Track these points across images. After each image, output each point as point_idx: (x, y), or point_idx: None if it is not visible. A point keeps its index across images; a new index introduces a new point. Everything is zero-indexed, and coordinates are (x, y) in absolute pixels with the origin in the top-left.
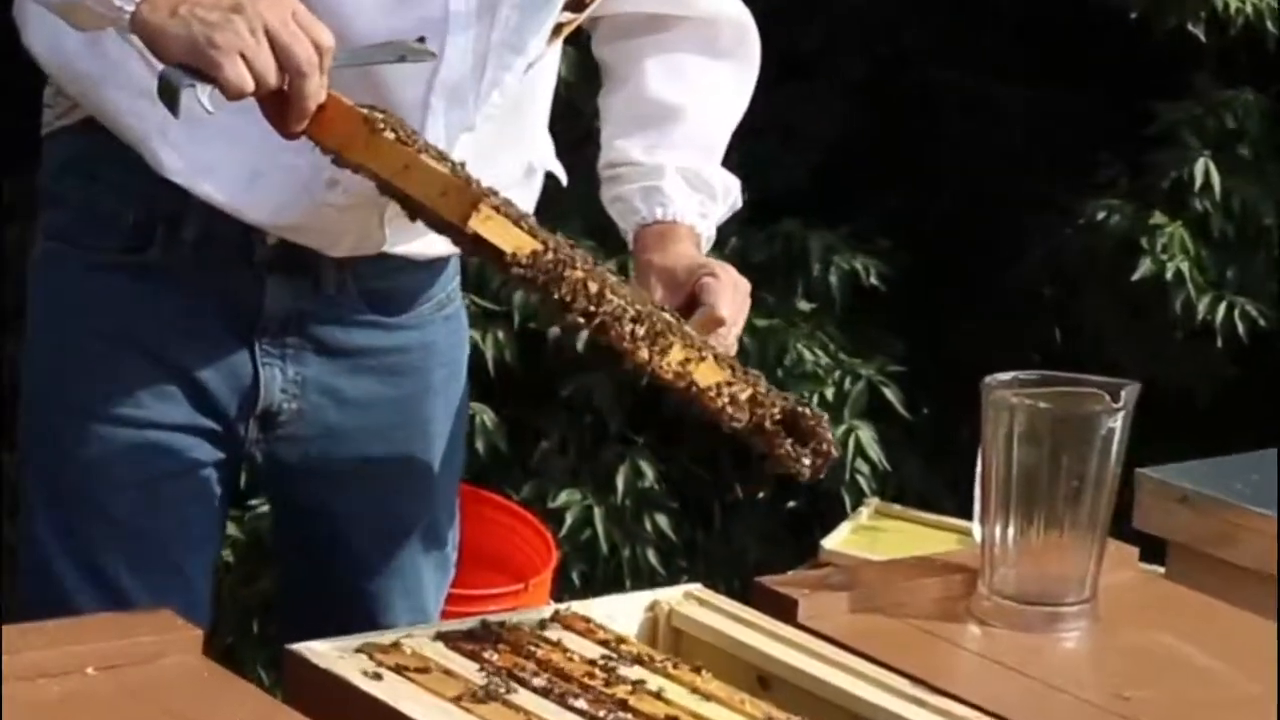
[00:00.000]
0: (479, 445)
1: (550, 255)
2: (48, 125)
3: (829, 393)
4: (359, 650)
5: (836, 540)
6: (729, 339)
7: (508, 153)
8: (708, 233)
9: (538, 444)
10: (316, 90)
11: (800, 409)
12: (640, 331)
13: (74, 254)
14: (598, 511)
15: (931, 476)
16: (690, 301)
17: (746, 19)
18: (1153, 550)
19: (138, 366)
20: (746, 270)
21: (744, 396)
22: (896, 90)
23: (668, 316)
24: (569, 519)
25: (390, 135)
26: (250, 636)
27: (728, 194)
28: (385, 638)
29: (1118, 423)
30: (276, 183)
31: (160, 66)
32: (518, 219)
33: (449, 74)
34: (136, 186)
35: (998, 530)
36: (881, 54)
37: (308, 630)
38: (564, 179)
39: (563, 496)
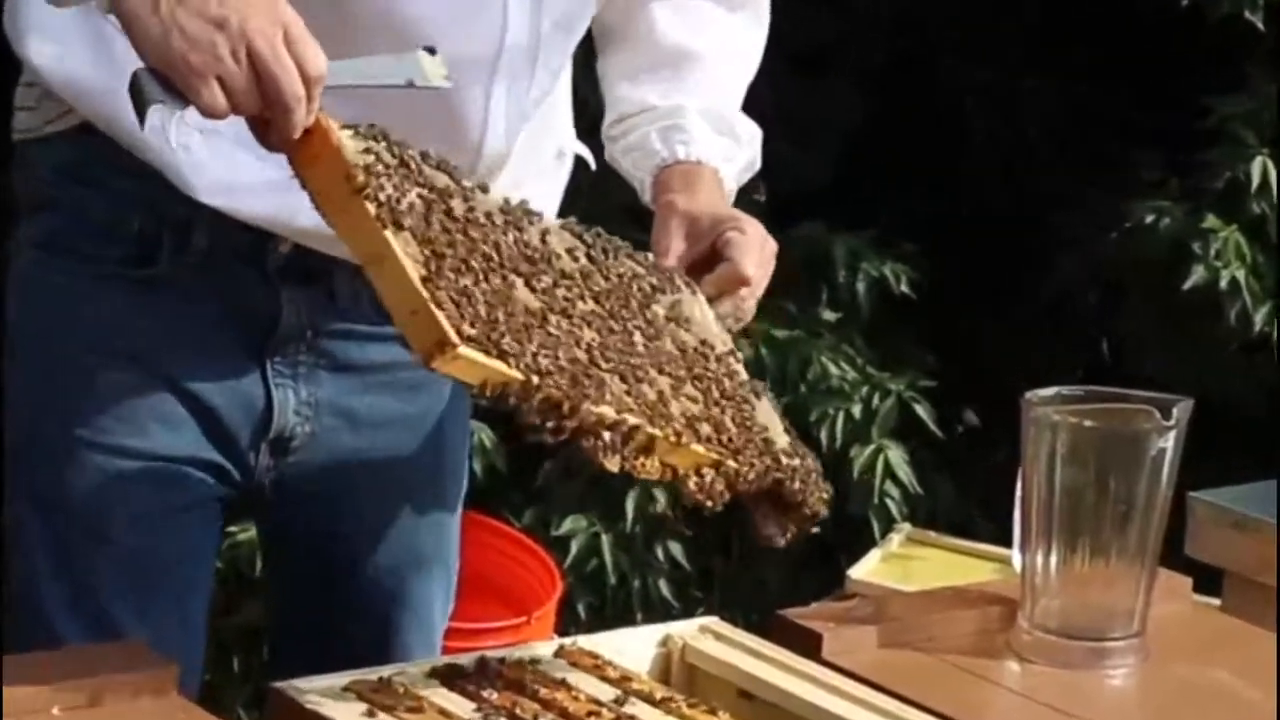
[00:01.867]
0: (477, 466)
1: (519, 385)
2: (31, 130)
3: (856, 410)
4: (347, 689)
5: (864, 569)
6: (749, 302)
7: (543, 139)
8: (731, 183)
9: (540, 465)
10: (298, 123)
11: (781, 480)
12: (611, 439)
13: (68, 265)
14: (605, 539)
15: (966, 500)
16: (711, 255)
17: None
18: (1207, 580)
19: (142, 390)
20: None
21: (720, 486)
22: (920, 84)
23: (647, 363)
24: (574, 547)
25: (373, 206)
26: (230, 673)
27: (751, 141)
28: (375, 675)
29: (1169, 442)
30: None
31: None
32: (495, 346)
33: (510, 62)
34: (140, 193)
35: (1039, 558)
36: (903, 46)
37: (310, 665)
38: (592, 162)
39: (568, 523)
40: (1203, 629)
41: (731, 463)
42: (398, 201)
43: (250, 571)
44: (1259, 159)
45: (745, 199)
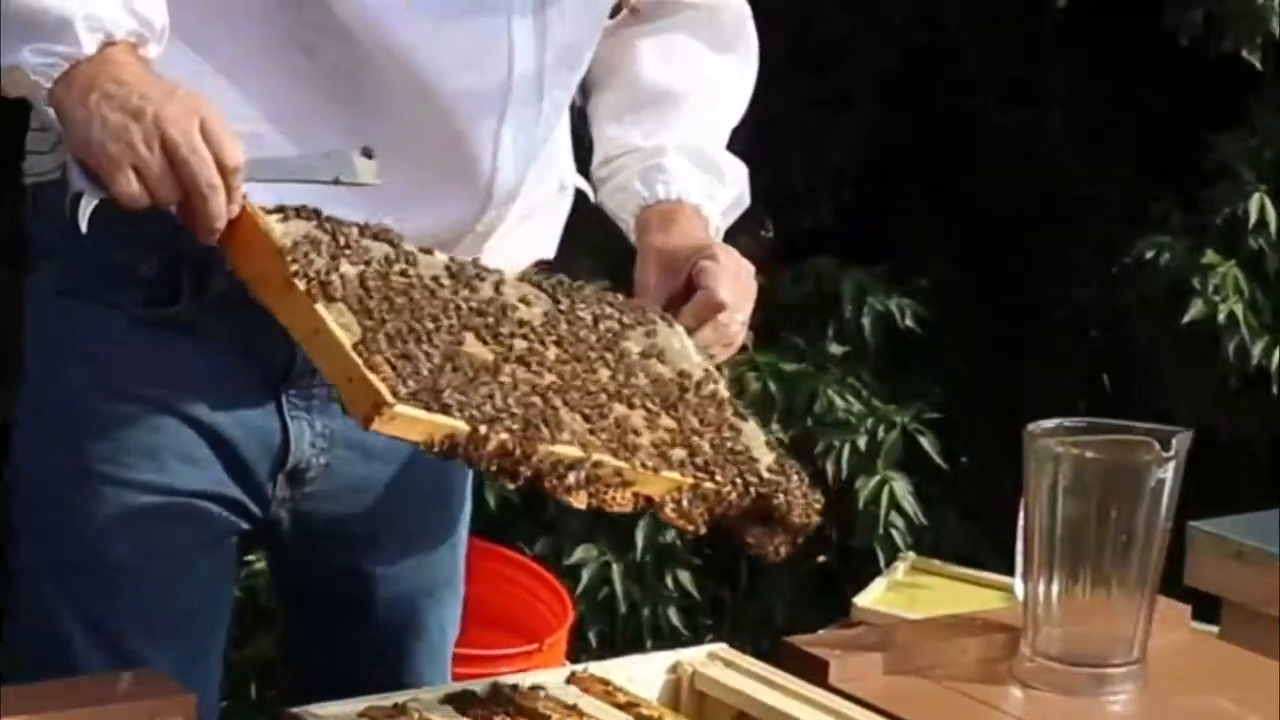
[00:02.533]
0: (489, 496)
1: (467, 435)
2: (45, 173)
3: (861, 442)
4: (362, 715)
5: (870, 598)
6: (731, 327)
7: (546, 173)
8: (716, 220)
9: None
10: (218, 212)
11: (765, 494)
12: (574, 479)
13: (84, 307)
14: (616, 568)
15: (972, 531)
16: (689, 287)
17: (746, 9)
18: (1206, 609)
19: (162, 427)
20: (772, 312)
21: (699, 508)
22: (934, 117)
23: (606, 398)
24: (585, 576)
25: (302, 283)
26: (247, 701)
27: (736, 180)
28: (390, 700)
29: (1168, 473)
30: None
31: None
32: (437, 400)
33: (518, 99)
34: (157, 235)
35: (1041, 587)
36: (920, 79)
37: (325, 692)
38: (591, 195)
39: (579, 553)
40: (1201, 656)
41: (709, 484)
42: (328, 274)
43: (266, 601)
44: (1257, 196)
45: (754, 234)
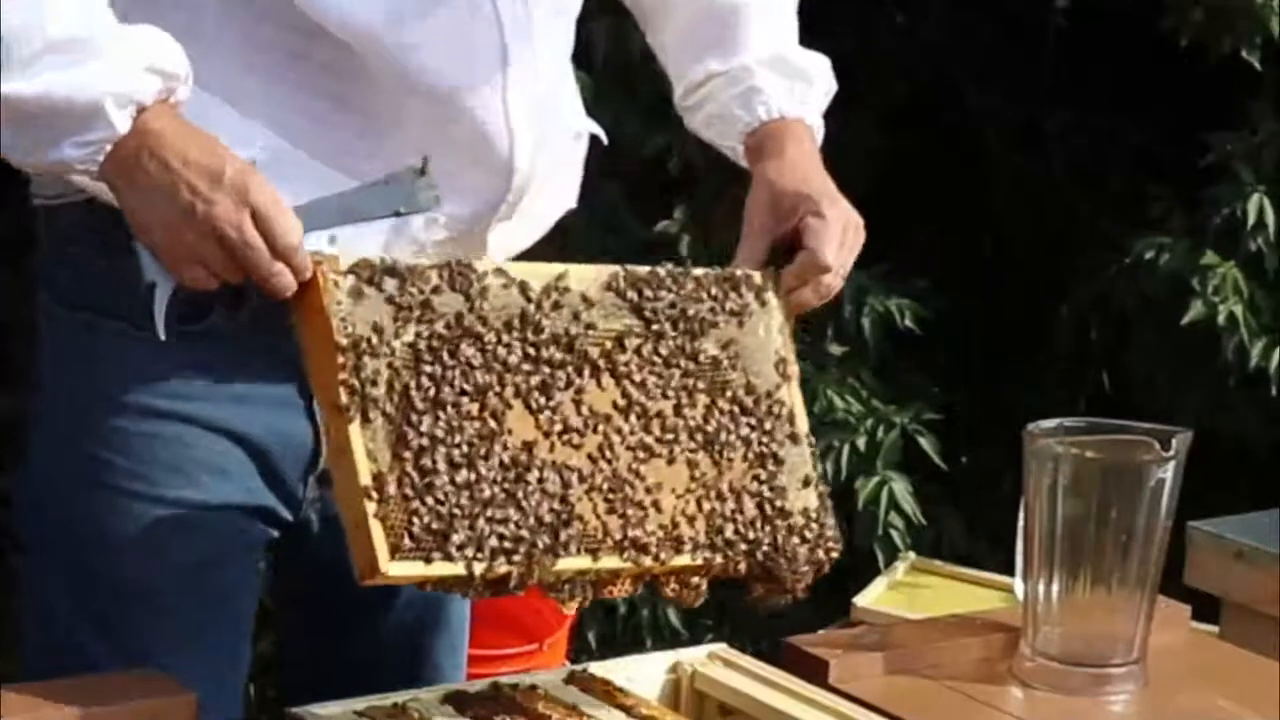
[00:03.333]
0: None
1: (459, 580)
2: (62, 195)
3: (861, 442)
4: (362, 715)
5: (870, 598)
6: (833, 287)
7: (559, 123)
8: (815, 121)
9: None
10: (284, 289)
11: (771, 561)
12: (569, 592)
13: (112, 325)
14: None
15: (972, 531)
16: (795, 236)
17: None
18: (1206, 609)
19: (194, 441)
20: None
21: (701, 585)
22: (937, 119)
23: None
24: None
25: (345, 394)
26: (248, 701)
27: (821, 75)
28: (389, 700)
29: (1168, 473)
30: (374, 228)
31: None
32: (441, 550)
33: (518, 66)
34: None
35: (1041, 587)
36: (921, 81)
37: (335, 691)
38: (604, 137)
39: None
40: (1201, 656)
41: (718, 561)
42: (374, 384)
43: (266, 601)
44: (1256, 196)
45: None
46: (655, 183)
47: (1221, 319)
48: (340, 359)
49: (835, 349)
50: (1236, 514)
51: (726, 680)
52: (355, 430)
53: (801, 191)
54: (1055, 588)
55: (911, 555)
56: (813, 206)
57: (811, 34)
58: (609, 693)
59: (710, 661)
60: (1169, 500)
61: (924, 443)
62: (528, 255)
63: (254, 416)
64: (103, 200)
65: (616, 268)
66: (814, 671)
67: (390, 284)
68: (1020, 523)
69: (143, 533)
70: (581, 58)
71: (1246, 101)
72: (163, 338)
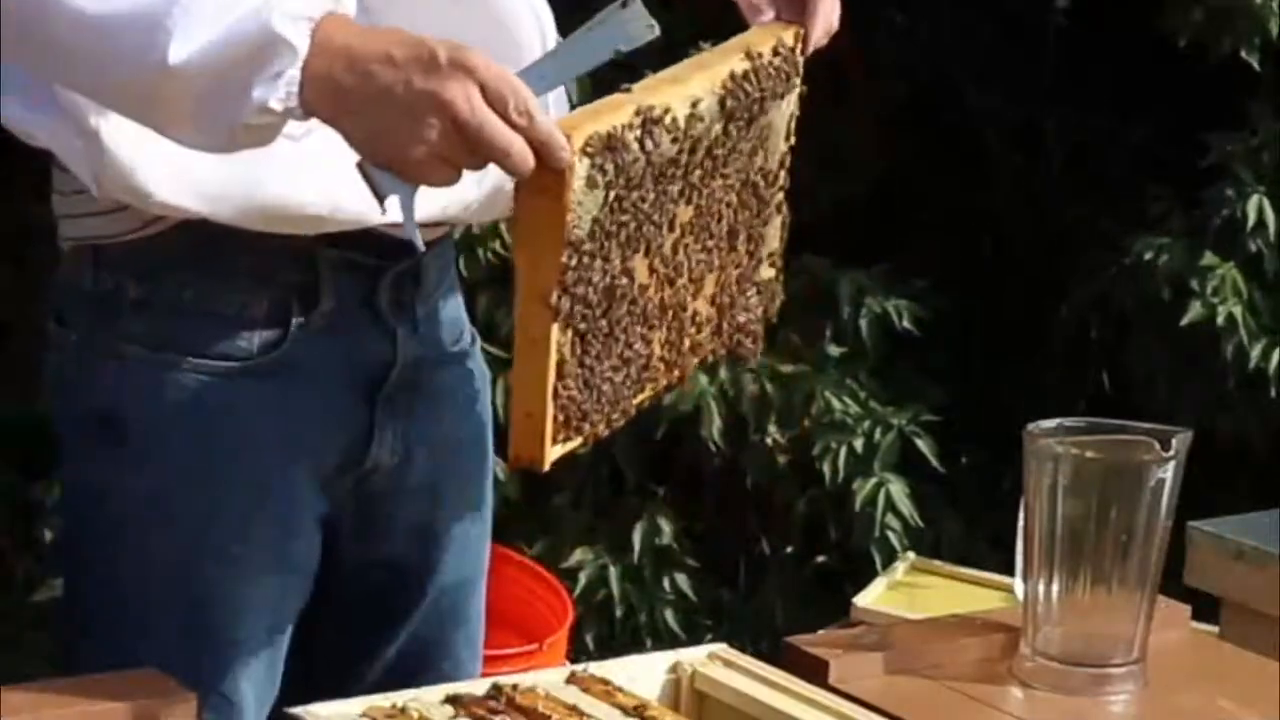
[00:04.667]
0: None
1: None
2: (121, 233)
3: (858, 444)
4: (363, 715)
5: (870, 598)
6: (834, 15)
7: None
8: None
9: (551, 496)
10: (525, 157)
11: (739, 333)
12: None
13: (192, 364)
14: (613, 570)
15: (972, 532)
16: None
17: None
18: (1206, 608)
19: (277, 489)
20: None
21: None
22: (937, 119)
23: None
24: (583, 578)
25: (556, 293)
26: None
27: None
28: (389, 701)
29: (1168, 473)
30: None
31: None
32: (578, 432)
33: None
34: (260, 271)
35: (1041, 587)
36: (921, 81)
37: (347, 689)
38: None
39: (576, 555)
40: (1201, 656)
41: (722, 349)
42: (586, 283)
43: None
44: (1255, 197)
45: None
46: None
47: (1221, 320)
48: (564, 258)
49: (834, 350)
50: (1236, 514)
51: (726, 680)
52: (555, 328)
53: None
54: (1055, 588)
55: (911, 555)
56: None
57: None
58: (609, 693)
59: (710, 661)
60: (1169, 500)
61: (921, 445)
62: None
63: (330, 438)
64: (168, 228)
65: (725, 76)
66: (814, 671)
67: (610, 168)
68: (1020, 523)
69: (237, 589)
70: None
71: (1246, 102)
72: (420, 248)
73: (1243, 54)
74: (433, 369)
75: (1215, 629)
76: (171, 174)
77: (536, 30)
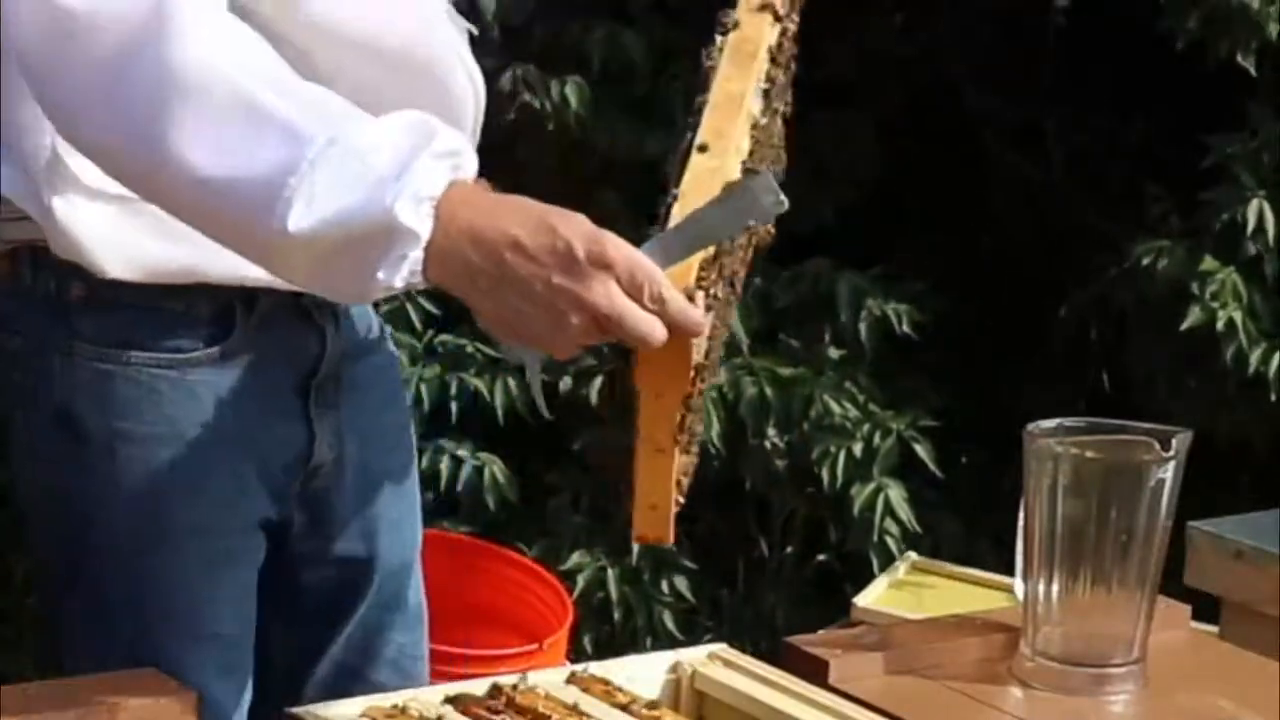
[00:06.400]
0: (489, 499)
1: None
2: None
3: (857, 448)
4: (363, 715)
5: (871, 597)
6: None
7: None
8: None
9: (549, 499)
10: (661, 338)
11: None
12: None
13: (138, 357)
14: (611, 573)
15: (973, 535)
16: None
17: None
18: (1206, 608)
19: (236, 471)
20: (769, 315)
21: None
22: (935, 121)
23: None
24: (581, 581)
25: (679, 415)
26: None
27: None
28: (389, 701)
29: (1168, 473)
30: None
31: None
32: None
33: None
34: (205, 284)
35: (1041, 587)
36: (920, 83)
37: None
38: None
39: (574, 558)
40: (1201, 656)
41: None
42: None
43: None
44: (1255, 201)
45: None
46: (652, 188)
47: (1220, 324)
48: (689, 384)
49: (833, 353)
50: (1236, 514)
51: (726, 680)
52: (678, 451)
53: None
54: (1055, 588)
55: (912, 555)
56: None
57: (811, 34)
58: (609, 692)
59: (710, 661)
60: (1169, 500)
61: (920, 450)
62: None
63: (268, 430)
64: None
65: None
66: (814, 671)
67: (715, 274)
68: (1020, 523)
69: (195, 568)
70: (578, 65)
71: (1246, 103)
72: (545, 414)
73: (1239, 58)
74: (353, 361)
75: (1215, 629)
76: (122, 257)
77: (471, 92)
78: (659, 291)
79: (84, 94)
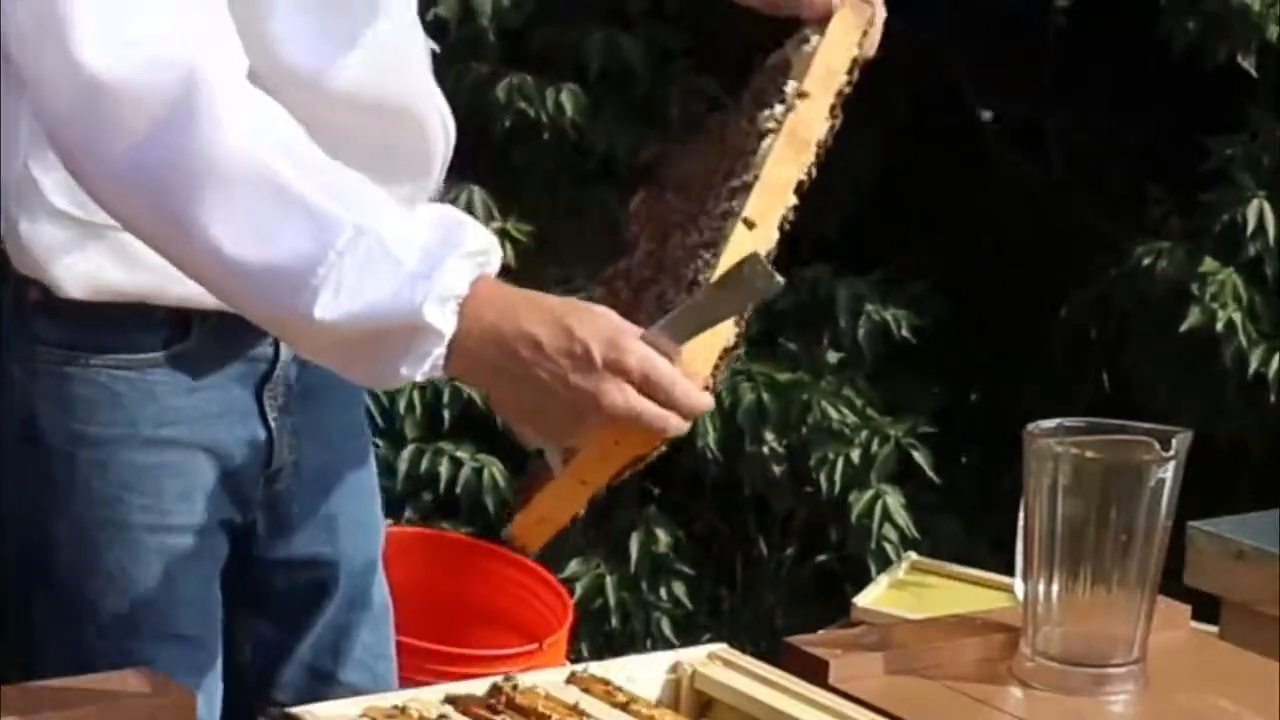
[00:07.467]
0: (488, 501)
1: None
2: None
3: (855, 454)
4: (362, 715)
5: (870, 598)
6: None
7: None
8: None
9: None
10: (676, 429)
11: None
12: None
13: (97, 360)
14: (610, 580)
15: (973, 535)
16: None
17: None
18: (1206, 608)
19: (193, 468)
20: (768, 319)
21: None
22: (935, 121)
23: None
24: (580, 588)
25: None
26: None
27: None
28: (389, 701)
29: (1168, 473)
30: None
31: None
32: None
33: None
34: (160, 293)
35: (1041, 587)
36: (920, 83)
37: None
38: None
39: (573, 565)
40: (1201, 656)
41: None
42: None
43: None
44: (1255, 202)
45: None
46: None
47: (1220, 326)
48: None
49: (831, 357)
50: (1236, 514)
51: (727, 680)
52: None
53: None
54: (1055, 588)
55: (912, 555)
56: None
57: None
58: (609, 692)
59: (710, 661)
60: (1169, 500)
61: (918, 456)
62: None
63: (228, 431)
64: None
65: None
66: (814, 671)
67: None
68: (1020, 523)
69: (154, 564)
70: (575, 68)
71: (1246, 104)
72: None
73: (1239, 60)
74: (308, 365)
75: (1215, 629)
76: (82, 278)
77: (443, 134)
78: (670, 392)
79: (113, 167)
